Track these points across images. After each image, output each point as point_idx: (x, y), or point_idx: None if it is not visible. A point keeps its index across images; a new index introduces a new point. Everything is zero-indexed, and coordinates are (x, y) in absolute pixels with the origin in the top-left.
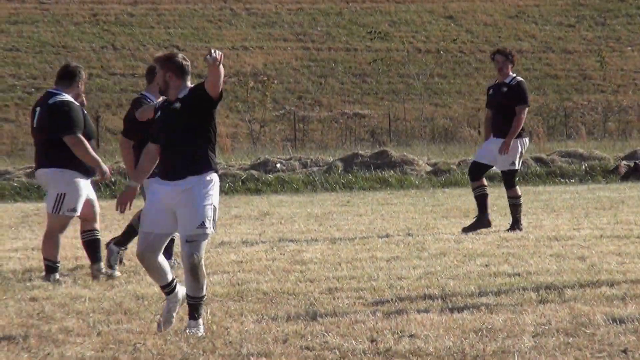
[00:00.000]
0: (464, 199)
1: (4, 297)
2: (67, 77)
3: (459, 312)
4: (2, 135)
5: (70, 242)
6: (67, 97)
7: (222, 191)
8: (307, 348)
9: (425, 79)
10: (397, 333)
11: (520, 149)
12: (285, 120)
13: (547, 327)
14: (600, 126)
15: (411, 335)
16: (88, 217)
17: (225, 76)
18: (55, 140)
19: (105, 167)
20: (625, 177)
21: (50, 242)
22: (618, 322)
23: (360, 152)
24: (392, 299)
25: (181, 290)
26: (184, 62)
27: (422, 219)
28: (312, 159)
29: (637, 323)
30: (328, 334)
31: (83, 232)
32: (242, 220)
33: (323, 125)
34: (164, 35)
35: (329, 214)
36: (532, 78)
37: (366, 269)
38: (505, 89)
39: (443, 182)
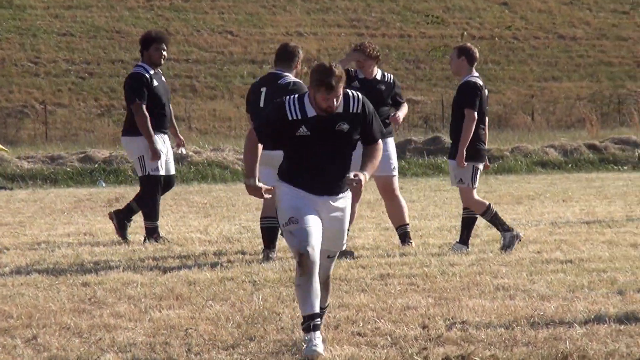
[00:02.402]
0: (517, 186)
1: (56, 282)
2: (287, 57)
3: (510, 299)
4: (56, 121)
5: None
6: (294, 77)
7: None
8: (359, 334)
9: (479, 65)
10: (449, 319)
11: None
12: None
13: (598, 315)
14: None
15: (463, 322)
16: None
17: None
18: None
19: None
20: None
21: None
22: None
23: (413, 138)
24: (443, 286)
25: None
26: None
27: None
28: None
29: None
30: (380, 320)
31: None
32: None
33: None
34: (217, 21)
35: (382, 200)
36: (585, 65)
37: (418, 255)
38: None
39: (496, 168)
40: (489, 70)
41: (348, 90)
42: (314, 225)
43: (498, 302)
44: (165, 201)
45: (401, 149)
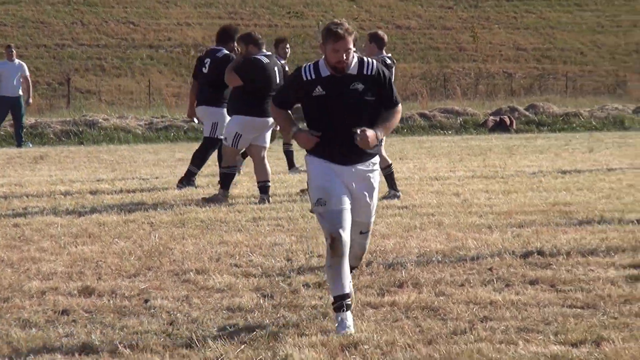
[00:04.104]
0: None
1: None
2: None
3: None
4: None
5: (46, 180)
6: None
7: (168, 139)
8: (236, 265)
9: None
10: (308, 254)
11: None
12: None
13: (428, 249)
14: (472, 88)
15: (319, 256)
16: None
17: (170, 47)
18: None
19: None
20: (492, 130)
21: None
22: (486, 246)
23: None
24: (304, 226)
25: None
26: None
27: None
28: None
29: (500, 246)
30: (252, 254)
31: None
32: (184, 162)
33: None
34: (122, 13)
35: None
36: (417, 49)
37: (283, 202)
38: None
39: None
40: None
41: (364, 57)
42: (343, 205)
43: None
44: (80, 159)
45: None
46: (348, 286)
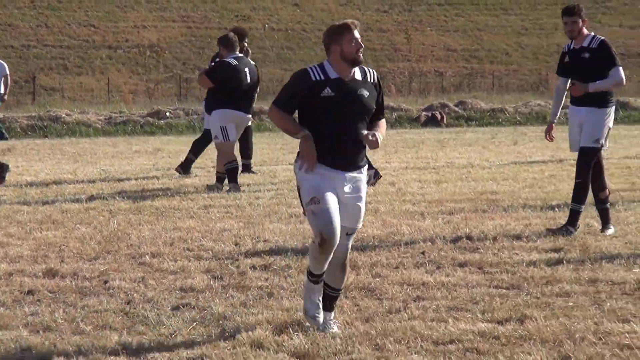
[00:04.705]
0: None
1: None
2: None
3: (300, 224)
4: None
5: (13, 171)
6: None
7: (126, 133)
8: (188, 249)
9: (277, 50)
10: (255, 238)
11: None
12: (173, 80)
13: (365, 235)
14: (406, 86)
15: (265, 240)
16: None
17: (128, 48)
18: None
19: None
20: (425, 124)
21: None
22: (418, 231)
23: None
24: (251, 213)
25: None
26: None
27: (273, 154)
28: (192, 109)
29: (432, 232)
30: (203, 239)
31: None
32: (141, 154)
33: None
34: (83, 17)
35: (205, 151)
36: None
37: (232, 193)
38: None
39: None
40: (285, 55)
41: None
42: (334, 204)
43: (291, 225)
44: (45, 151)
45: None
46: (325, 267)
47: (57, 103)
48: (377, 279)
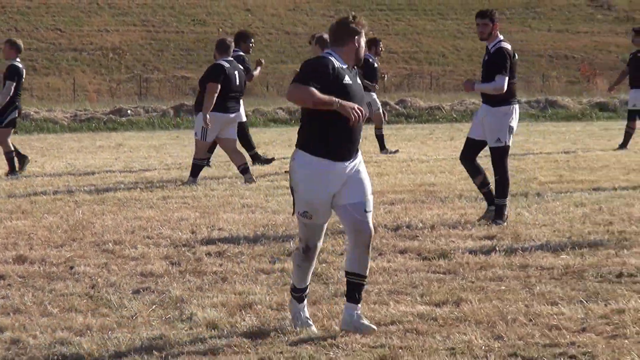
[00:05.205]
0: (255, 136)
1: None
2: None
3: (252, 213)
4: None
5: None
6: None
7: (90, 129)
8: (148, 237)
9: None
10: (210, 227)
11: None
12: (134, 80)
13: None
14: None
15: (219, 229)
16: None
17: (92, 50)
18: None
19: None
20: (367, 121)
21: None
22: None
23: (185, 102)
24: (206, 204)
25: None
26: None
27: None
28: (152, 107)
29: (374, 221)
30: (162, 228)
31: None
32: (104, 149)
33: (160, 84)
34: (50, 22)
35: (164, 145)
36: (304, 52)
37: (189, 183)
38: None
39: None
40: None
41: None
42: (325, 217)
43: (244, 215)
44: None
45: (177, 110)
46: (309, 280)
47: (26, 101)
48: (324, 265)
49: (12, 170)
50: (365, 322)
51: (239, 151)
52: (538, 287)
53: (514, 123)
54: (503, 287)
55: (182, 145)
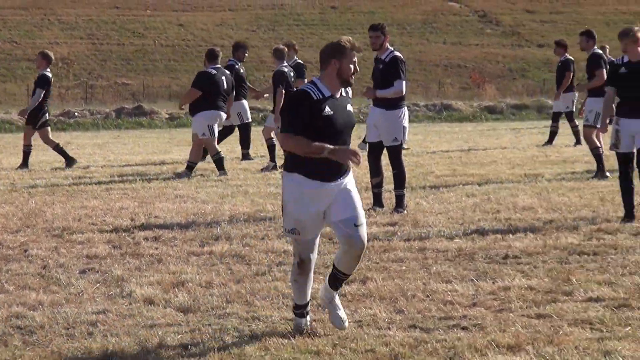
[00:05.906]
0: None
1: None
2: (215, 56)
3: (184, 203)
4: None
5: None
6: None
7: None
8: (93, 224)
9: (165, 62)
10: (147, 215)
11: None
12: (80, 87)
13: (237, 212)
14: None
15: (156, 217)
16: None
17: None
18: None
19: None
20: None
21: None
22: (280, 209)
23: (125, 106)
24: (144, 195)
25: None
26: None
27: (162, 146)
28: (96, 110)
29: None
30: (105, 216)
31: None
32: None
33: (103, 90)
34: (7, 35)
35: (107, 143)
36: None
37: (129, 178)
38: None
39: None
40: (172, 66)
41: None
42: (314, 232)
43: (177, 204)
44: None
45: (118, 112)
46: (309, 296)
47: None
48: (247, 248)
49: (68, 161)
50: (340, 314)
51: (200, 151)
52: (434, 267)
53: (406, 123)
54: (404, 267)
55: (122, 143)
